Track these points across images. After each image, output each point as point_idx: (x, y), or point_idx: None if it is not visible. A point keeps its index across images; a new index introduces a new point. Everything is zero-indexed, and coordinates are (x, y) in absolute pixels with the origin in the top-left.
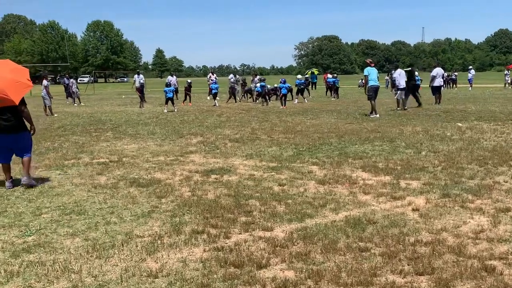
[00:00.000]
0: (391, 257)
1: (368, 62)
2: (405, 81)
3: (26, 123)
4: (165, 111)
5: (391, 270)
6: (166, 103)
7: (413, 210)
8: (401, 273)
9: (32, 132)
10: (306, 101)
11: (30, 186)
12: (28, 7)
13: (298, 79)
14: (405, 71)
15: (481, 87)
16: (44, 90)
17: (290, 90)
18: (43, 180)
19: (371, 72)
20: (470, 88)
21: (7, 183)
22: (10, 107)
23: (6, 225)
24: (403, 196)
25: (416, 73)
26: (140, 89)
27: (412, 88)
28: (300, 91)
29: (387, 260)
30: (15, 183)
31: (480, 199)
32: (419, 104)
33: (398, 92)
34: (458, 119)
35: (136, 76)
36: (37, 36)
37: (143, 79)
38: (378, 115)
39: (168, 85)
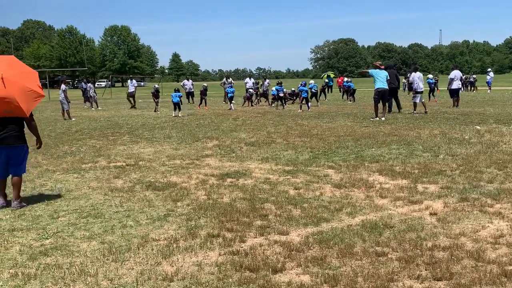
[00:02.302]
0: (408, 262)
1: (378, 64)
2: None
3: (29, 136)
4: (175, 114)
5: (408, 275)
6: (175, 109)
7: (430, 214)
8: (418, 278)
9: (38, 146)
10: (319, 104)
11: (21, 208)
12: (47, 12)
13: (311, 83)
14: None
15: (500, 90)
16: (62, 94)
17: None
18: (60, 183)
19: (380, 75)
20: (488, 91)
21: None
22: (11, 117)
23: (24, 228)
24: (420, 200)
25: (431, 76)
26: (132, 94)
27: (390, 92)
28: (314, 95)
29: (404, 265)
30: (9, 203)
31: (499, 203)
32: (394, 109)
33: (418, 95)
34: (476, 122)
35: (129, 81)
36: (55, 41)
37: (136, 84)
38: (377, 118)
39: (176, 90)
